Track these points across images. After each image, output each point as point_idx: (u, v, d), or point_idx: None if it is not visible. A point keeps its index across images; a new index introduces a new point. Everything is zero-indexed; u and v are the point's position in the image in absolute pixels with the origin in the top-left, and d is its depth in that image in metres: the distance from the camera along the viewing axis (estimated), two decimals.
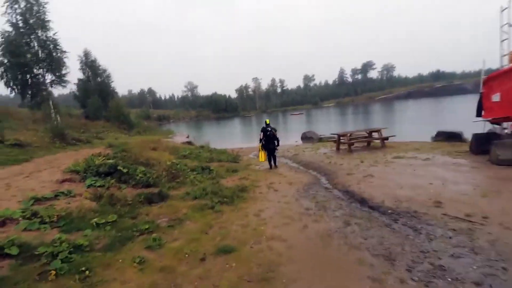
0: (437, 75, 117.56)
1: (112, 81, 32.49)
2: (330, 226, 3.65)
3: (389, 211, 4.13)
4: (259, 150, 8.69)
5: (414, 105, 52.50)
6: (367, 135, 11.19)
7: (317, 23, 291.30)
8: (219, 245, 3.18)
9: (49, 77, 15.26)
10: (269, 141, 8.27)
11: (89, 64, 30.41)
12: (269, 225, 3.77)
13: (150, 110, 76.49)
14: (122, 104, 24.31)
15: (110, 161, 5.50)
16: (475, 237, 3.08)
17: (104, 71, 31.50)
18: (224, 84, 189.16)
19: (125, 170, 4.86)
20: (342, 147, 10.90)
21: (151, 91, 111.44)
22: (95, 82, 30.84)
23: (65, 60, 15.68)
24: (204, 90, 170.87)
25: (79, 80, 31.06)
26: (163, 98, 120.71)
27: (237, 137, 26.98)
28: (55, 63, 14.79)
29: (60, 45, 15.36)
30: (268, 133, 8.24)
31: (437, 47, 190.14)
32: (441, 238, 3.14)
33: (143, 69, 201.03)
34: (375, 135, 11.02)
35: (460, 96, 72.24)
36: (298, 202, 4.81)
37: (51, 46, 14.84)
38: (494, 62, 7.85)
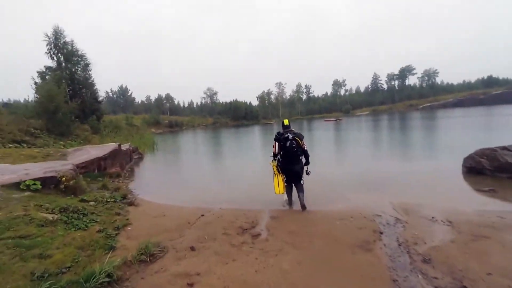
0: (489, 81, 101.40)
1: (90, 70, 24.21)
2: None
3: None
4: (274, 173, 4.68)
5: (479, 112, 39.57)
6: None
7: (351, 28, 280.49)
8: None
9: None
10: (291, 157, 4.46)
11: (60, 47, 22.59)
12: None
13: (160, 116, 69.76)
14: (56, 92, 15.17)
15: None
16: None
17: (81, 57, 23.51)
18: (245, 91, 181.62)
19: None
20: None
21: (168, 97, 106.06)
22: (70, 71, 22.87)
23: None
24: (225, 97, 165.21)
25: (46, 68, 23.29)
26: (181, 104, 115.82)
27: (247, 151, 17.09)
28: None
29: None
30: (289, 142, 4.39)
31: (484, 51, 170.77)
32: None
33: (162, 77, 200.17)
34: None
35: None
36: None
37: None
38: None
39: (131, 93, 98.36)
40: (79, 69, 23.42)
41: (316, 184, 6.41)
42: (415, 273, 2.62)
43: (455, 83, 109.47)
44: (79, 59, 23.15)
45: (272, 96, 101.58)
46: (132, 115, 57.53)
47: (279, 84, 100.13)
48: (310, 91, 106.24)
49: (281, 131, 4.67)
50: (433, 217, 4.03)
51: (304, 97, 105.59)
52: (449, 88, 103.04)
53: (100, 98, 27.96)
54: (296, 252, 3.10)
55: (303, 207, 4.56)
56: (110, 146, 9.32)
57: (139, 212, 5.19)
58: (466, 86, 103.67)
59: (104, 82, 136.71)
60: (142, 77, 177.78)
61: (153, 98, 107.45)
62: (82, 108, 21.29)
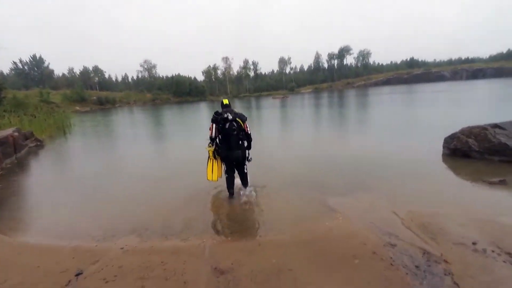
0: (411, 63, 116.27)
1: None
2: None
3: None
4: (209, 158, 3.92)
5: (404, 90, 43.96)
6: None
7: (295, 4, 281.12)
8: None
9: None
10: (230, 142, 3.75)
11: None
12: None
13: (87, 91, 59.35)
14: None
15: None
16: None
17: None
18: (189, 66, 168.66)
19: None
20: None
21: (97, 70, 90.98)
22: None
23: None
24: (165, 71, 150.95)
25: None
26: (114, 78, 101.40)
27: (191, 135, 14.50)
28: None
29: None
30: (228, 124, 3.67)
31: (408, 35, 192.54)
32: None
33: (90, 47, 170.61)
34: None
35: (442, 83, 66.95)
36: None
37: None
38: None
39: (48, 65, 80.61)
40: None
41: (281, 183, 4.59)
42: None
43: (384, 63, 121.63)
44: None
45: (219, 72, 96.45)
46: (49, 90, 47.19)
47: (226, 59, 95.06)
48: (257, 68, 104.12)
49: (220, 111, 3.84)
50: (474, 243, 2.58)
51: (252, 74, 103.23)
52: (379, 68, 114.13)
53: None
54: None
55: (245, 203, 3.91)
56: None
57: None
58: (393, 67, 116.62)
59: (13, 53, 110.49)
60: (64, 47, 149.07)
61: (77, 70, 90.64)
62: None
